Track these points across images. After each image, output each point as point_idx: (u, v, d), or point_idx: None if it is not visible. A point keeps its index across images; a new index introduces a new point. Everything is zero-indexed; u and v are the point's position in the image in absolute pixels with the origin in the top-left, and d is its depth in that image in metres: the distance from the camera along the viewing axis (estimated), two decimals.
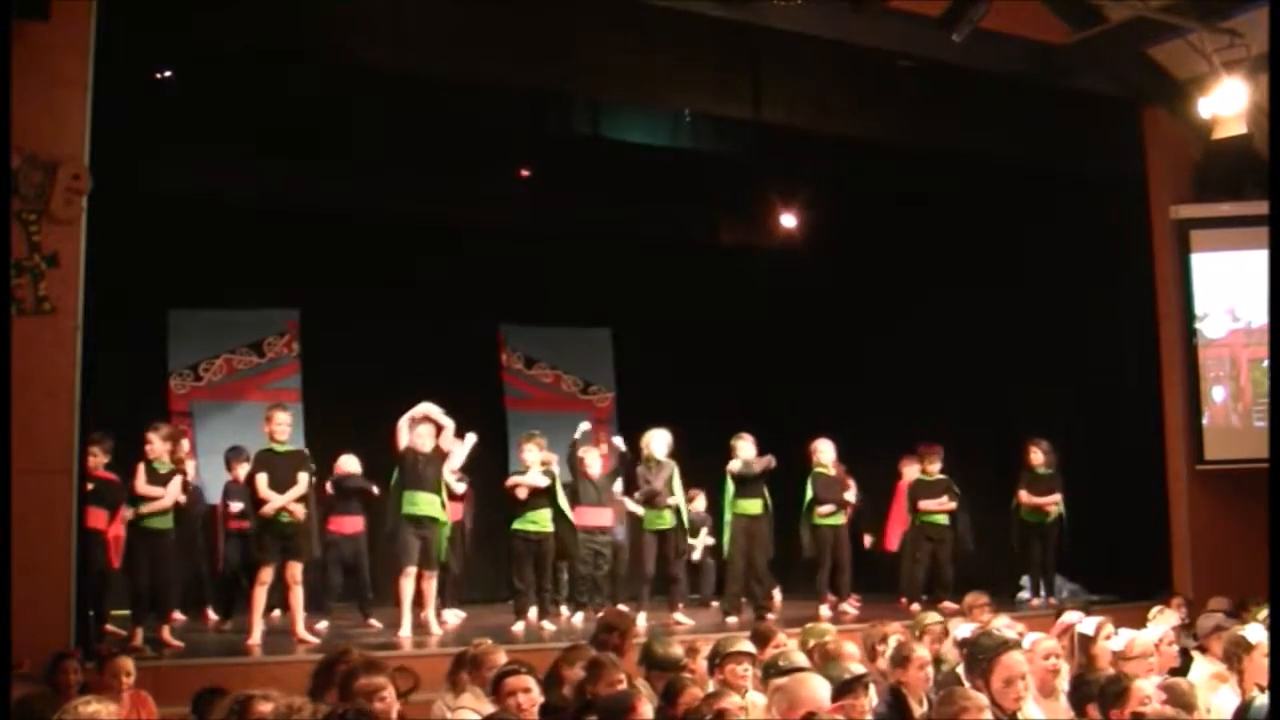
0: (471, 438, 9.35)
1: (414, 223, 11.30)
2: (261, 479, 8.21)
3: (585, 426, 10.22)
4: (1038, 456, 10.18)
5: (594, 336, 13.12)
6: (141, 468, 7.94)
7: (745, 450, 9.69)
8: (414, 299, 11.41)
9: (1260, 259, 9.73)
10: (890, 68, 9.28)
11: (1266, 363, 10.21)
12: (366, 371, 10.98)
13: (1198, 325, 10.54)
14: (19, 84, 6.20)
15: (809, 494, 10.08)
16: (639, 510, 9.86)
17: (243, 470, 9.21)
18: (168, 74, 8.73)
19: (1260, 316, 10.35)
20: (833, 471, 10.20)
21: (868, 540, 11.21)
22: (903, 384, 11.60)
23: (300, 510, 8.21)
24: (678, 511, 9.64)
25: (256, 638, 8.02)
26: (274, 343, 11.61)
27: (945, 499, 10.35)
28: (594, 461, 9.76)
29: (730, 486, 9.76)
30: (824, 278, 12.48)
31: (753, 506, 9.65)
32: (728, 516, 9.76)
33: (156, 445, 7.99)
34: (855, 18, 8.62)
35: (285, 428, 8.39)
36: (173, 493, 8.00)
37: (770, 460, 9.76)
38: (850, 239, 12.18)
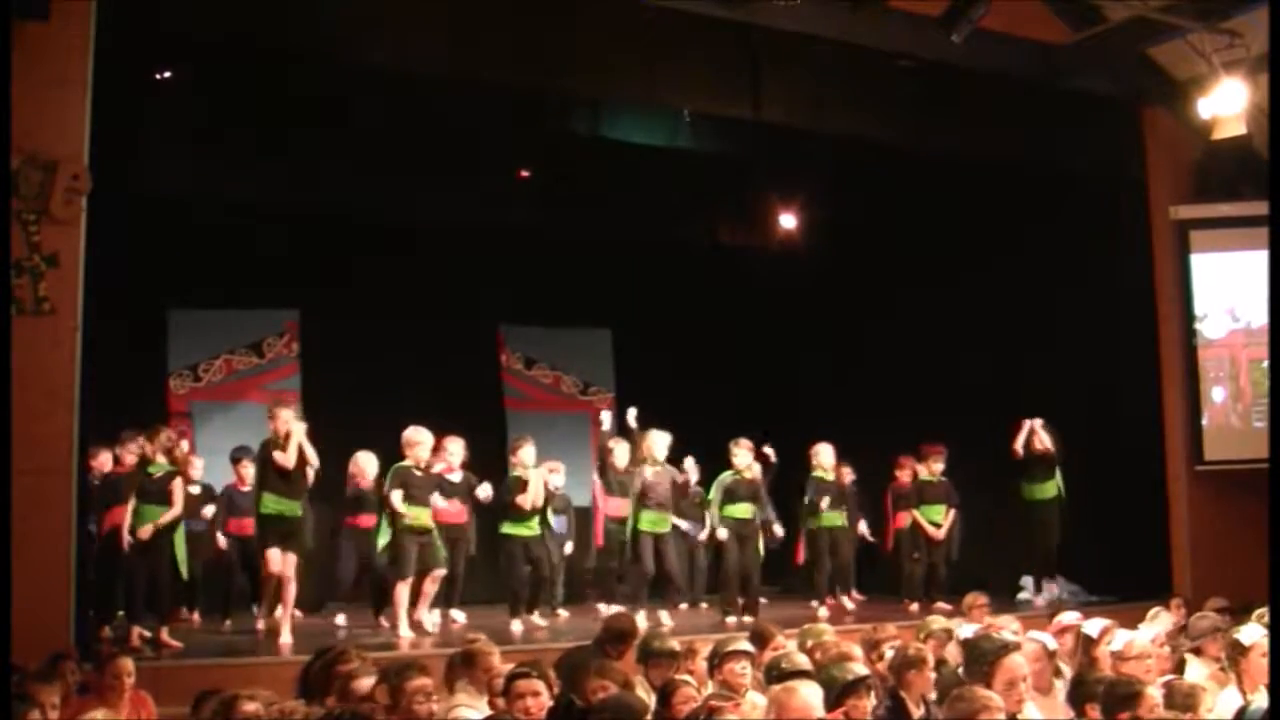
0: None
1: (413, 223, 11.28)
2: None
3: (608, 417, 10.17)
4: (1040, 444, 10.18)
5: (594, 337, 13.10)
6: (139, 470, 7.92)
7: (742, 458, 9.62)
8: (414, 299, 11.40)
9: (1260, 259, 9.74)
10: (890, 68, 9.28)
11: (1266, 363, 10.21)
12: (366, 371, 10.97)
13: (1197, 325, 10.53)
14: (19, 84, 6.21)
15: (807, 497, 10.08)
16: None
17: (247, 471, 9.20)
18: (167, 74, 8.72)
19: (1260, 317, 10.35)
20: (831, 476, 10.19)
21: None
22: (902, 383, 11.59)
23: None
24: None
25: (287, 636, 8.12)
26: (274, 343, 11.60)
27: (944, 506, 10.42)
28: (621, 454, 9.80)
29: (718, 494, 9.71)
30: (823, 278, 12.47)
31: (742, 511, 9.60)
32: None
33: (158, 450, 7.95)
34: (855, 18, 8.62)
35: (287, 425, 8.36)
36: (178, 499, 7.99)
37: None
38: (849, 239, 12.16)
